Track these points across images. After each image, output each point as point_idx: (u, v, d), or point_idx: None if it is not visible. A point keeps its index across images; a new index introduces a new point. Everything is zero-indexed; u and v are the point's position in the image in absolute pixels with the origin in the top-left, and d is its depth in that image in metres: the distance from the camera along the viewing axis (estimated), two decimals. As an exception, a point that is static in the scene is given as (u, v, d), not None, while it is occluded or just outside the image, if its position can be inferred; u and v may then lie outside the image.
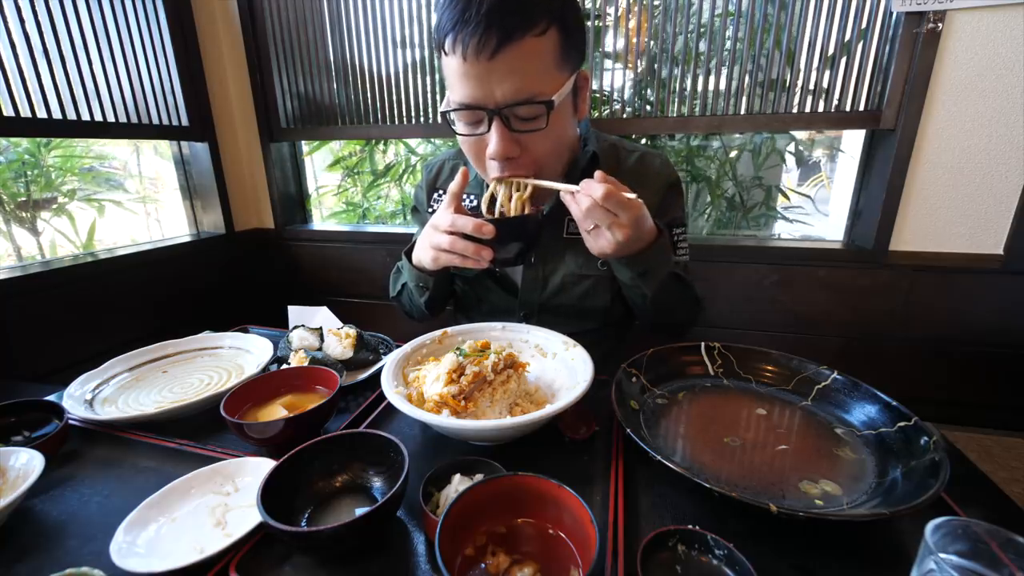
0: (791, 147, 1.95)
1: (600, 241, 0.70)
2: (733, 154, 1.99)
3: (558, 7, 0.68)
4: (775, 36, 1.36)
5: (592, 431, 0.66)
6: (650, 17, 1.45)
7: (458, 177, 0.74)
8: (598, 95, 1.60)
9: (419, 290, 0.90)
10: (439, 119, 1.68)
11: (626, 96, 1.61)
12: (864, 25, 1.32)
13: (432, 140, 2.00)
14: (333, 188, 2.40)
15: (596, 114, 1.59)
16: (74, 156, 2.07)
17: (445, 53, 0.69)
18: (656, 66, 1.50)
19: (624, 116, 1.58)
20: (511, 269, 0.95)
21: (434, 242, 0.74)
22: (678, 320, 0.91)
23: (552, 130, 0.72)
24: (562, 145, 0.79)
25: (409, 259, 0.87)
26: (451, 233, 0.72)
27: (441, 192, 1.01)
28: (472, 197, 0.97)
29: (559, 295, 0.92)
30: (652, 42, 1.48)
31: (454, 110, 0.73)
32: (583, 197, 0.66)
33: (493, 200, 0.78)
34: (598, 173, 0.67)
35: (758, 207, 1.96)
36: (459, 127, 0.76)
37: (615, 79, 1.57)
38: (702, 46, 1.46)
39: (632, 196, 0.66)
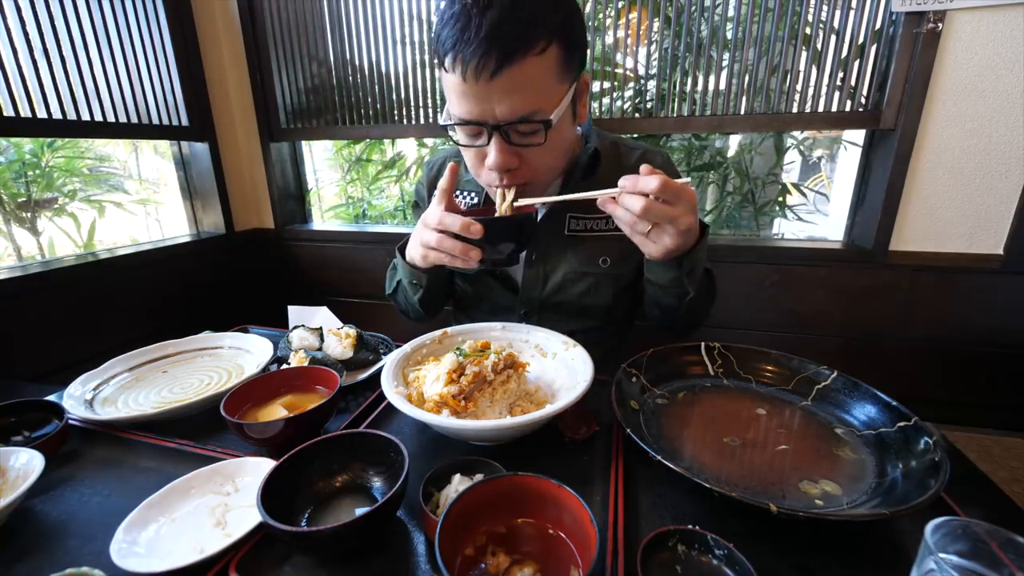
0: (803, 144, 1.96)
1: (663, 239, 0.64)
2: (731, 153, 2.00)
3: (558, 23, 0.67)
4: (775, 35, 1.36)
5: (592, 431, 0.66)
6: (650, 17, 1.45)
7: (447, 173, 0.74)
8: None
9: (412, 287, 0.89)
10: (442, 101, 1.68)
11: (627, 95, 1.62)
12: (864, 25, 1.32)
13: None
14: (335, 181, 2.40)
15: (597, 108, 1.59)
16: (76, 157, 2.08)
17: (445, 70, 0.69)
18: (657, 66, 1.50)
19: (624, 116, 1.58)
20: (512, 267, 0.95)
21: (423, 240, 0.73)
22: (698, 317, 0.88)
23: (551, 143, 0.72)
24: (560, 155, 0.79)
25: (404, 255, 0.86)
26: (440, 231, 0.70)
27: None
28: (473, 195, 0.97)
29: (560, 293, 0.92)
30: (653, 42, 1.48)
31: (454, 124, 0.73)
32: (633, 198, 0.61)
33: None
34: (644, 167, 0.63)
35: (770, 204, 1.96)
36: (459, 138, 0.76)
37: (617, 69, 1.57)
38: (703, 46, 1.45)
39: (686, 180, 0.63)
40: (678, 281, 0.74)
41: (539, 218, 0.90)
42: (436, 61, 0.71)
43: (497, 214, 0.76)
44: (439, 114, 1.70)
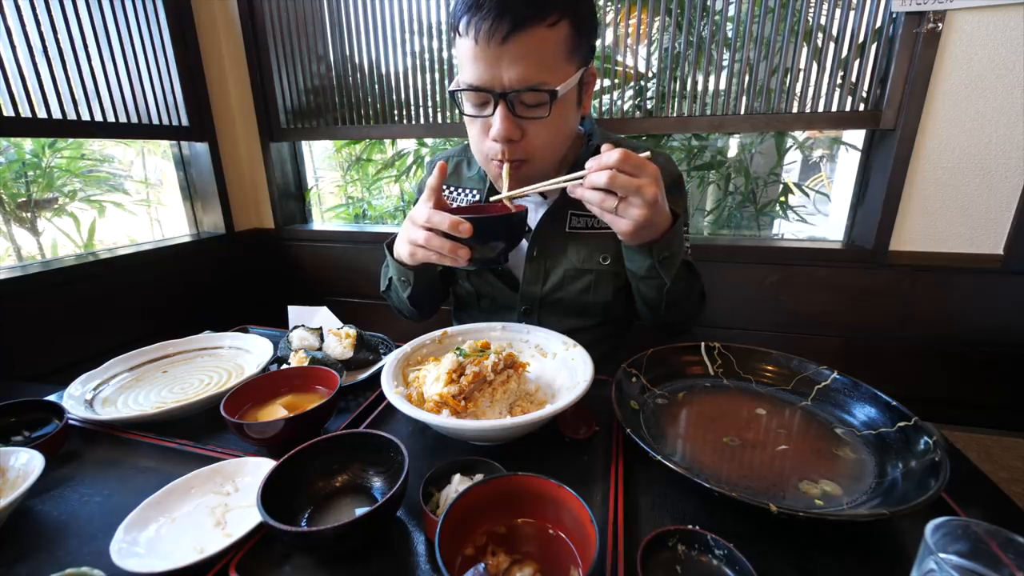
0: (803, 144, 1.96)
1: (631, 211, 0.64)
2: (732, 153, 2.00)
3: (572, 1, 0.69)
4: (775, 35, 1.36)
5: (592, 431, 0.66)
6: (650, 18, 1.45)
7: (436, 170, 0.73)
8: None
9: (402, 284, 0.88)
10: (447, 98, 1.68)
11: (627, 95, 1.62)
12: (864, 25, 1.32)
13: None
14: (335, 181, 2.41)
15: (598, 107, 1.59)
16: (77, 157, 2.08)
17: (459, 34, 0.71)
18: (657, 66, 1.50)
19: (625, 116, 1.58)
20: (513, 263, 0.95)
21: (411, 237, 0.73)
22: (685, 315, 0.89)
23: (554, 119, 0.74)
24: (562, 135, 0.80)
25: (392, 252, 0.85)
26: (428, 229, 0.70)
27: (445, 188, 1.01)
28: (474, 192, 0.97)
29: (560, 290, 0.92)
30: (654, 41, 1.48)
31: (462, 90, 0.74)
32: (598, 174, 0.63)
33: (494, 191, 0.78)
34: (604, 145, 0.65)
35: (771, 204, 1.96)
36: (466, 108, 0.78)
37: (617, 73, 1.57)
38: (704, 45, 1.45)
39: (646, 153, 0.64)
40: (653, 270, 0.75)
41: (541, 215, 0.91)
42: (451, 28, 0.73)
43: (492, 199, 0.76)
44: (439, 113, 1.70)
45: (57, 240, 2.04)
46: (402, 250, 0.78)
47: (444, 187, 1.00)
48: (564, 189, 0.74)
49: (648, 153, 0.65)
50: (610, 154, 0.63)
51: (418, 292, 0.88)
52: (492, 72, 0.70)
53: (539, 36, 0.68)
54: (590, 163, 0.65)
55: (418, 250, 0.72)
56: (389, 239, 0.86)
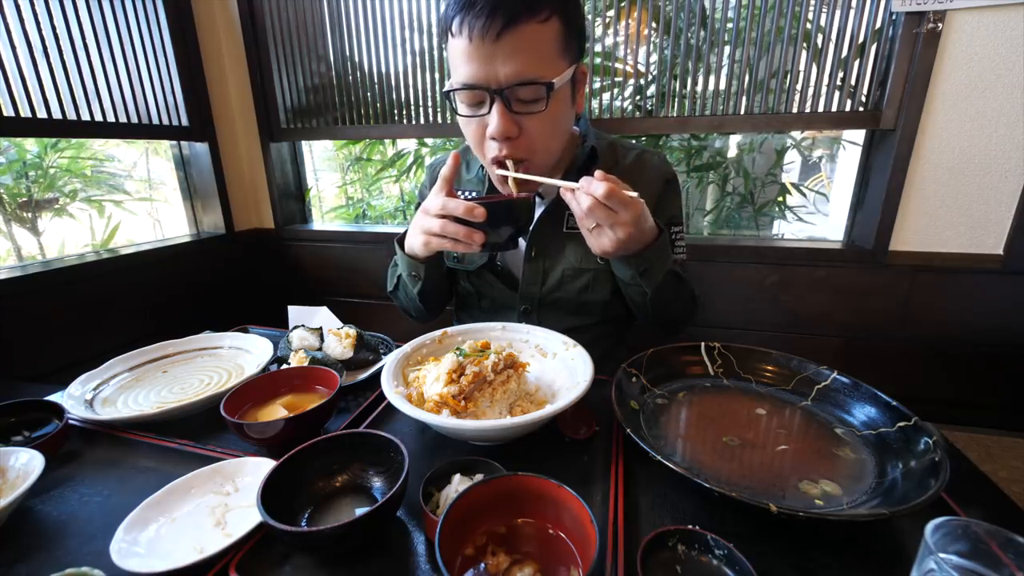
0: (802, 144, 1.96)
1: (602, 240, 0.70)
2: (731, 153, 2.00)
3: None
4: (775, 35, 1.36)
5: (592, 431, 0.66)
6: (650, 18, 1.45)
7: (449, 161, 0.76)
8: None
9: (412, 280, 0.90)
10: (442, 101, 1.69)
11: (627, 94, 1.62)
12: (864, 25, 1.32)
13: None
14: (335, 182, 2.41)
15: (597, 107, 1.59)
16: (79, 157, 2.08)
17: (452, 35, 0.72)
18: (656, 67, 1.50)
19: (624, 116, 1.58)
20: (512, 263, 0.96)
21: (425, 226, 0.74)
22: (675, 318, 0.91)
23: (550, 114, 0.74)
24: (559, 130, 0.80)
25: (403, 248, 0.87)
26: (442, 216, 0.72)
27: None
28: (473, 193, 0.98)
29: (559, 289, 0.93)
30: (652, 43, 1.48)
31: (458, 89, 0.75)
32: (584, 196, 0.67)
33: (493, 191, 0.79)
34: (598, 172, 0.67)
35: (770, 205, 1.96)
36: (461, 108, 0.78)
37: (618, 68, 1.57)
38: (703, 45, 1.45)
39: (634, 195, 0.67)
40: (634, 278, 0.78)
41: (539, 215, 0.91)
42: (444, 29, 0.74)
43: (499, 172, 0.77)
44: (439, 113, 1.70)
45: (63, 238, 2.05)
46: (415, 242, 0.80)
47: None
48: (560, 191, 0.76)
49: (637, 194, 0.67)
50: (598, 185, 0.65)
51: (428, 287, 0.90)
52: (487, 69, 0.70)
53: (532, 31, 0.69)
54: (583, 181, 0.68)
55: (432, 239, 0.75)
56: (399, 235, 0.88)
